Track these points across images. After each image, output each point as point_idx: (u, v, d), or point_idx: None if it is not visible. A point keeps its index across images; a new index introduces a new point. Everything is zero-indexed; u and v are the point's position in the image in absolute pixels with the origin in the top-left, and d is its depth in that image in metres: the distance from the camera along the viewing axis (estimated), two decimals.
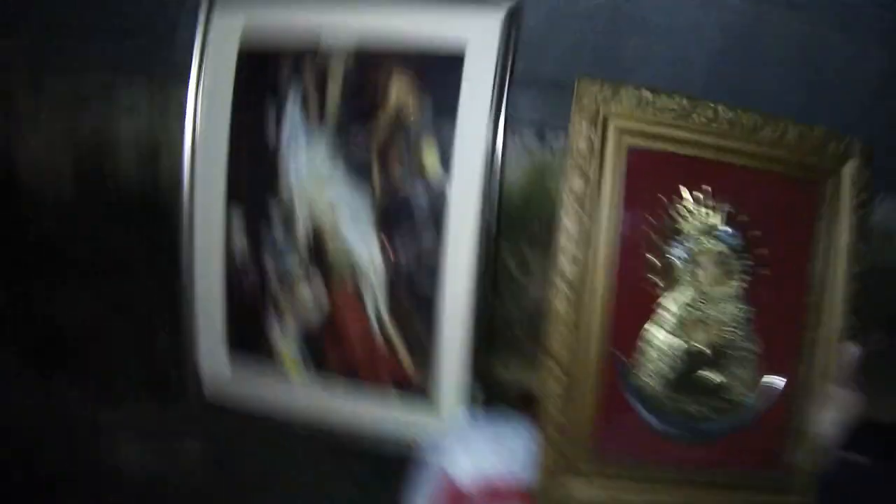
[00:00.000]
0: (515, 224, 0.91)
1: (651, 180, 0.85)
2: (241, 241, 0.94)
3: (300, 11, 0.90)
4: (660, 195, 0.85)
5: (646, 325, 0.85)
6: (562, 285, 0.83)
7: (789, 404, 0.87)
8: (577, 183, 0.83)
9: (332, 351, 0.90)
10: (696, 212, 0.86)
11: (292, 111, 0.91)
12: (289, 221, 0.91)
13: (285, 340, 0.92)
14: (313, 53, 0.89)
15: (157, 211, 1.03)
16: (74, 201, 1.14)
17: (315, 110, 0.90)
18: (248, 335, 0.94)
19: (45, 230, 1.17)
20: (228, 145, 0.93)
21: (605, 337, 0.84)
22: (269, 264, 0.93)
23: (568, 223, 0.83)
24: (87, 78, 1.09)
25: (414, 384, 0.87)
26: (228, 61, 0.92)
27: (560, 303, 0.82)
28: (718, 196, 0.86)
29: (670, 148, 0.86)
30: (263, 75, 0.92)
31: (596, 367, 0.84)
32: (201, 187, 0.93)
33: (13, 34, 1.13)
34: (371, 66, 0.87)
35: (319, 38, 0.89)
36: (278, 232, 0.92)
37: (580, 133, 0.83)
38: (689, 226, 0.86)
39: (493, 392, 0.89)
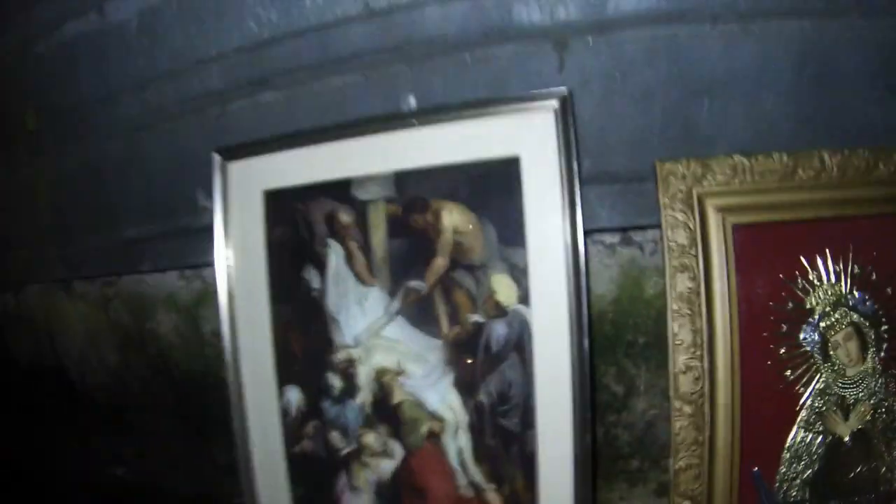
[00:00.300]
0: (611, 338, 0.78)
1: (766, 259, 0.72)
2: (299, 413, 0.81)
3: (325, 153, 0.77)
4: (779, 274, 0.71)
5: (787, 428, 0.71)
6: (682, 407, 0.69)
7: None
8: (682, 283, 0.69)
9: None
10: (822, 283, 0.73)
11: (336, 267, 0.78)
12: (350, 385, 0.78)
13: None
14: (348, 199, 0.77)
15: (206, 380, 0.94)
16: (124, 389, 1.08)
17: (361, 261, 0.77)
18: None
19: (101, 411, 1.12)
20: (271, 320, 0.80)
21: (739, 454, 0.70)
22: (334, 434, 0.79)
23: (679, 332, 0.69)
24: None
25: None
26: (255, 226, 0.80)
27: (683, 427, 0.69)
28: (842, 258, 0.72)
29: (780, 216, 0.72)
30: (297, 235, 0.79)
31: (732, 490, 0.70)
32: (248, 363, 0.81)
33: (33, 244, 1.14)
34: (415, 199, 0.74)
35: (352, 183, 0.77)
36: (340, 398, 0.79)
37: (675, 223, 0.70)
38: (816, 301, 0.73)
39: None
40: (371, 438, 0.77)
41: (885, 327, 0.73)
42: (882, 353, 0.73)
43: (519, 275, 0.71)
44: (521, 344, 0.71)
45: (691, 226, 0.69)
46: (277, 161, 0.80)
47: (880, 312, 0.73)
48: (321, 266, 0.79)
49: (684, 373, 0.69)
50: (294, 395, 0.80)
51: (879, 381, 0.72)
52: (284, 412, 0.80)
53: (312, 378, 0.79)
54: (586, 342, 0.70)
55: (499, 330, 0.71)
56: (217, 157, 0.83)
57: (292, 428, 0.80)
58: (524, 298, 0.71)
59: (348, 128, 0.77)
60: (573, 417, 0.69)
